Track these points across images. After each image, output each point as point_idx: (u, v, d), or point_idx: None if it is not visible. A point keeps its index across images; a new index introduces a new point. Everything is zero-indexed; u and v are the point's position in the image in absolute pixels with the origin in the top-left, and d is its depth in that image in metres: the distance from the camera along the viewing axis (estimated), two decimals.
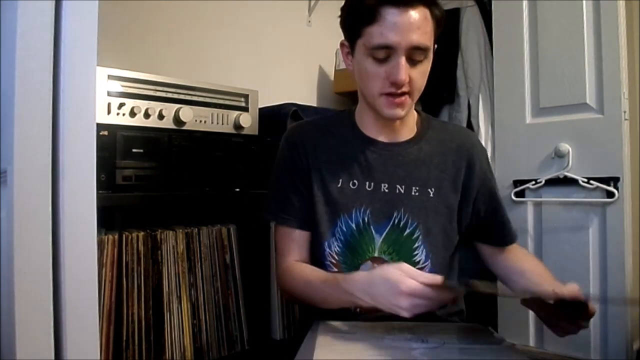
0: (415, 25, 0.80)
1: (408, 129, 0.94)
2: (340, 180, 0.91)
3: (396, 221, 0.89)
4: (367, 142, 0.93)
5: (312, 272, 0.88)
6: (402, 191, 0.90)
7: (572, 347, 1.37)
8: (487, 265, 0.99)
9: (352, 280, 0.77)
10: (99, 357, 0.61)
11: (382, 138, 0.93)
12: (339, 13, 0.91)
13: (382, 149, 0.92)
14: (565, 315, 0.74)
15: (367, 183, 0.90)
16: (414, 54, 0.81)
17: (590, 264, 1.39)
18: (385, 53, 0.81)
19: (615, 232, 1.36)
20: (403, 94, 0.84)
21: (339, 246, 0.90)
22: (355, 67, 0.89)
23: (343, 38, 0.93)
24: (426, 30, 0.81)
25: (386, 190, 0.90)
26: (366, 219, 0.89)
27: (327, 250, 0.90)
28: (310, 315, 0.92)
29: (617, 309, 1.33)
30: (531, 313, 1.49)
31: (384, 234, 0.89)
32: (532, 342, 1.49)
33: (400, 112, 0.86)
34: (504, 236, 0.97)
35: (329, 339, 0.74)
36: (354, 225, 0.89)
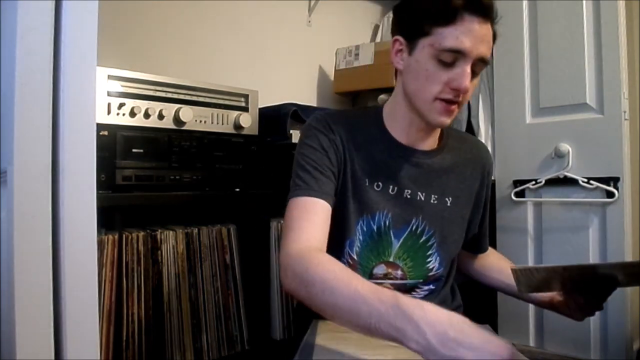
0: (487, 37, 0.80)
1: (434, 138, 0.93)
2: (367, 180, 0.88)
3: (414, 227, 0.89)
4: (396, 146, 0.90)
5: (349, 272, 0.67)
6: (422, 198, 0.89)
7: (572, 347, 1.37)
8: (458, 265, 1.03)
9: (429, 312, 0.56)
10: (99, 357, 0.61)
11: (410, 144, 0.90)
12: (398, 6, 0.87)
13: (409, 154, 0.90)
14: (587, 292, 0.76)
15: (391, 187, 0.89)
16: (476, 66, 0.80)
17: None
18: (453, 57, 0.78)
19: (615, 232, 1.36)
20: (457, 102, 0.81)
21: (358, 246, 0.88)
22: (410, 66, 0.83)
23: (392, 30, 0.89)
24: (490, 45, 0.81)
25: (408, 196, 0.89)
26: (387, 223, 0.88)
27: (347, 249, 0.88)
28: (307, 314, 0.92)
29: (617, 309, 1.33)
30: (531, 313, 1.50)
31: (402, 239, 0.89)
32: (532, 342, 1.49)
33: (447, 120, 0.83)
34: (485, 244, 1.05)
35: (327, 339, 0.74)
36: (375, 227, 0.88)
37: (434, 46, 0.79)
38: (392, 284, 0.87)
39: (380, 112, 0.93)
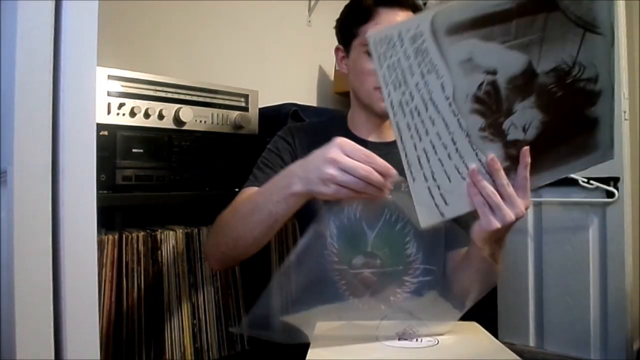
0: None
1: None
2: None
3: (387, 216, 0.90)
4: (359, 141, 0.92)
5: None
6: (392, 188, 0.90)
7: (572, 347, 1.37)
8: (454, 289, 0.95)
9: (296, 162, 0.74)
10: (99, 357, 0.61)
11: (372, 138, 0.96)
12: (336, 19, 0.97)
13: (371, 148, 0.91)
14: None
15: None
16: None
17: (590, 264, 1.39)
18: None
19: (615, 232, 1.36)
20: None
21: (335, 240, 0.91)
22: (350, 67, 0.96)
23: (339, 44, 0.99)
24: None
25: None
26: (357, 215, 0.90)
27: (330, 240, 0.91)
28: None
29: (617, 309, 1.33)
30: (531, 313, 1.51)
31: (376, 230, 0.90)
32: (532, 342, 1.49)
33: None
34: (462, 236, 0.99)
35: (323, 339, 0.74)
36: (345, 222, 0.90)
37: (362, 43, 0.90)
38: (372, 272, 0.88)
39: (345, 117, 1.03)
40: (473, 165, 0.67)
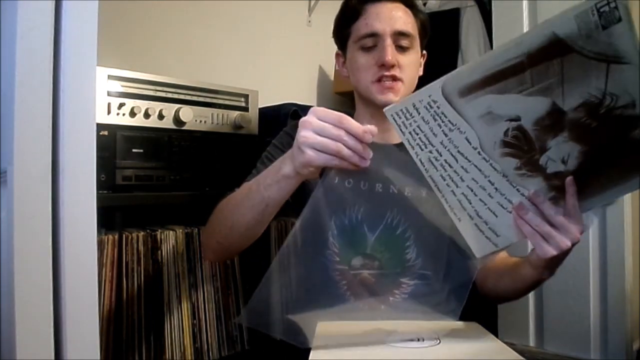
0: (396, 15, 0.91)
1: None
2: (337, 177, 0.90)
3: (389, 220, 0.90)
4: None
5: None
6: (395, 191, 0.90)
7: (572, 347, 1.37)
8: (480, 288, 0.95)
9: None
10: (99, 357, 0.61)
11: (377, 139, 0.94)
12: (333, 27, 1.00)
13: (376, 149, 0.92)
14: None
15: (362, 182, 0.90)
16: (399, 40, 0.90)
17: (590, 264, 1.39)
18: (372, 41, 0.90)
19: (615, 232, 1.36)
20: (394, 79, 0.90)
21: (336, 240, 0.90)
22: (348, 66, 0.97)
23: (338, 50, 1.02)
24: (407, 21, 0.92)
25: (380, 190, 0.90)
26: (359, 217, 0.90)
27: (331, 240, 0.91)
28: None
29: (617, 309, 1.33)
30: (531, 313, 1.50)
31: (377, 232, 0.89)
32: (532, 342, 1.49)
33: (392, 97, 0.90)
34: None
35: (325, 339, 0.74)
36: (347, 223, 0.90)
37: (355, 40, 0.93)
38: (370, 274, 0.88)
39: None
40: (516, 201, 0.68)
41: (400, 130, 0.69)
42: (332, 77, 1.88)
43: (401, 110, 0.68)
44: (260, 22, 1.67)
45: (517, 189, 0.68)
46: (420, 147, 0.69)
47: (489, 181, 0.68)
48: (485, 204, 0.70)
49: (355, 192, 0.90)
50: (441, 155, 0.68)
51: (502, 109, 0.64)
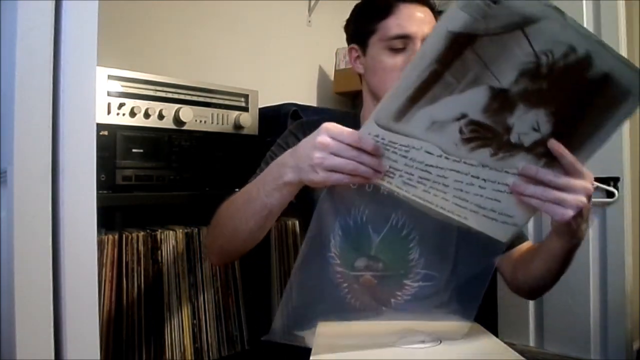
0: (426, 19, 0.88)
1: None
2: None
3: (394, 222, 0.89)
4: None
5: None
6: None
7: (572, 347, 1.37)
8: (512, 283, 0.93)
9: (286, 152, 0.74)
10: (99, 357, 0.61)
11: None
12: (347, 19, 0.95)
13: None
14: None
15: (367, 184, 0.90)
16: None
17: (590, 264, 1.39)
18: (402, 43, 0.86)
19: (615, 232, 1.36)
20: None
21: (339, 242, 0.90)
22: (368, 65, 0.92)
23: (347, 42, 0.96)
24: (433, 25, 0.88)
25: (385, 192, 0.90)
26: (364, 219, 0.89)
27: (333, 241, 0.90)
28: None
29: (617, 309, 1.33)
30: (531, 313, 1.50)
31: (382, 234, 0.89)
32: (532, 342, 1.49)
33: None
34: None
35: (326, 339, 0.74)
36: (352, 224, 0.89)
37: (383, 39, 0.87)
38: (373, 275, 0.88)
39: (357, 115, 0.99)
40: (511, 182, 0.67)
41: None
42: (332, 77, 1.88)
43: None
44: (260, 22, 1.67)
45: (506, 172, 0.67)
46: (389, 177, 0.68)
47: (472, 176, 0.67)
48: (482, 196, 0.68)
49: (360, 193, 0.90)
50: (412, 175, 0.68)
51: (443, 114, 0.63)
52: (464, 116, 0.63)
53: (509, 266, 0.91)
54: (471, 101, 0.62)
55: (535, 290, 0.90)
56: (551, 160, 0.66)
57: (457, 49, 0.58)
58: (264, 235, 0.83)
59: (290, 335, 0.81)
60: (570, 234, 0.72)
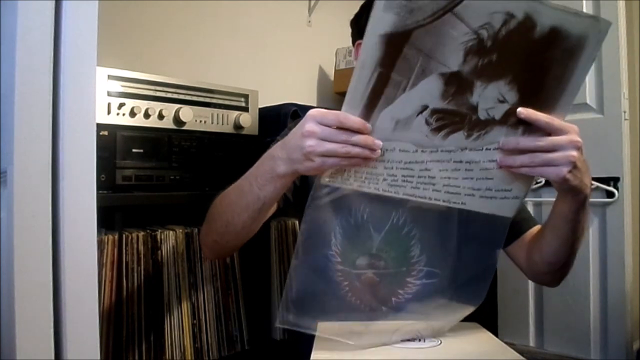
0: None
1: None
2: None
3: (395, 220, 0.89)
4: None
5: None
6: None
7: (572, 347, 1.37)
8: (529, 269, 0.92)
9: (276, 144, 0.74)
10: (99, 357, 0.61)
11: None
12: (356, 14, 0.94)
13: None
14: None
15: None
16: None
17: (590, 264, 1.39)
18: None
19: (615, 232, 1.36)
20: None
21: (340, 240, 0.90)
22: None
23: (353, 38, 0.97)
24: None
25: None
26: (364, 217, 0.89)
27: (334, 240, 0.90)
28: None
29: (618, 309, 1.33)
30: (531, 313, 1.51)
31: (384, 232, 0.89)
32: (532, 342, 1.49)
33: None
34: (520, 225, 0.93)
35: (326, 339, 0.74)
36: (352, 223, 0.89)
37: None
38: (374, 273, 0.88)
39: None
40: (497, 158, 0.67)
41: (346, 186, 0.70)
42: (332, 77, 1.88)
43: (330, 174, 0.69)
44: (260, 22, 1.67)
45: (487, 149, 0.67)
46: (374, 183, 0.69)
47: (455, 162, 0.67)
48: (472, 178, 0.68)
49: (361, 191, 0.90)
50: (396, 176, 0.68)
51: (403, 111, 0.63)
52: (424, 108, 0.63)
53: (523, 252, 0.90)
54: (427, 92, 0.62)
55: (555, 269, 0.88)
56: (527, 128, 0.66)
57: (395, 48, 0.59)
58: (257, 228, 0.83)
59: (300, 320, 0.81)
60: (573, 190, 0.71)
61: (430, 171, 0.68)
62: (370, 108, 0.63)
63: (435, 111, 0.64)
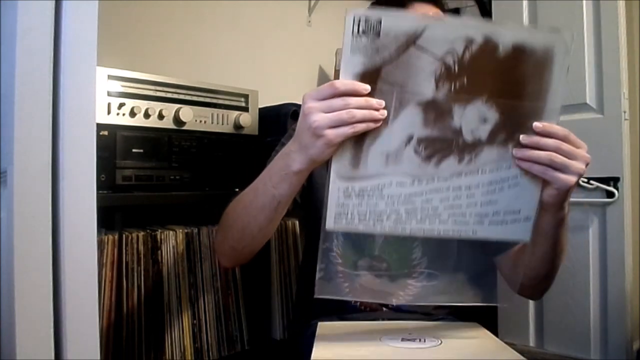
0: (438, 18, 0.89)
1: None
2: None
3: None
4: None
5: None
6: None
7: (572, 347, 1.37)
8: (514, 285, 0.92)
9: (288, 143, 0.74)
10: (98, 357, 0.61)
11: None
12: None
13: None
14: None
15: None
16: None
17: (590, 264, 1.39)
18: None
19: (615, 232, 1.36)
20: None
21: (341, 242, 0.90)
22: None
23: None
24: None
25: None
26: None
27: (335, 241, 0.90)
28: (306, 314, 0.92)
29: (618, 309, 1.33)
30: (531, 314, 1.50)
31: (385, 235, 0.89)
32: (532, 342, 1.49)
33: None
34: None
35: (326, 339, 0.74)
36: None
37: None
38: (376, 275, 0.88)
39: None
40: (493, 180, 0.67)
41: (352, 227, 0.69)
42: (332, 77, 1.88)
43: (335, 214, 0.68)
44: (260, 22, 1.67)
45: (483, 172, 0.67)
46: (379, 223, 0.68)
47: (454, 188, 0.68)
48: (476, 204, 0.68)
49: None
50: (399, 211, 0.68)
51: (391, 144, 0.65)
52: (410, 138, 0.65)
53: (508, 264, 0.91)
54: (409, 122, 0.64)
55: (535, 284, 0.89)
56: (517, 144, 0.67)
57: (370, 85, 0.62)
58: (273, 230, 0.83)
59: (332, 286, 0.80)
60: (556, 206, 0.72)
61: (432, 202, 0.67)
62: (358, 147, 0.65)
63: (421, 140, 0.65)
